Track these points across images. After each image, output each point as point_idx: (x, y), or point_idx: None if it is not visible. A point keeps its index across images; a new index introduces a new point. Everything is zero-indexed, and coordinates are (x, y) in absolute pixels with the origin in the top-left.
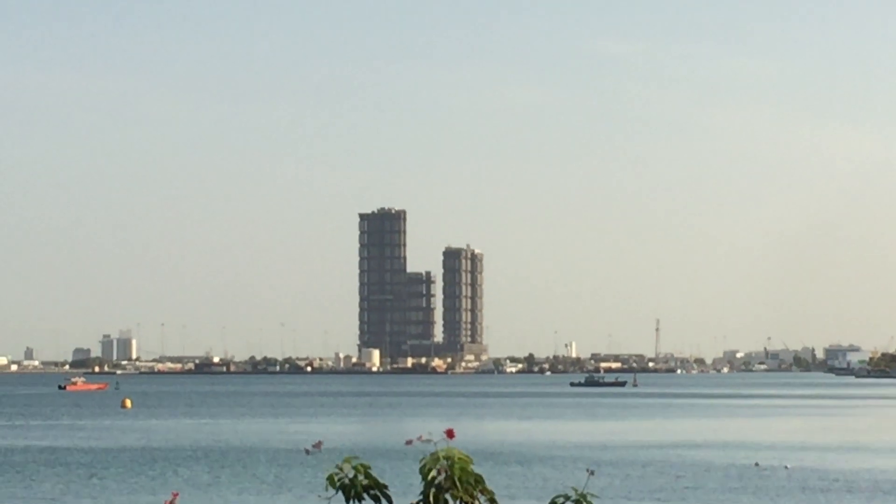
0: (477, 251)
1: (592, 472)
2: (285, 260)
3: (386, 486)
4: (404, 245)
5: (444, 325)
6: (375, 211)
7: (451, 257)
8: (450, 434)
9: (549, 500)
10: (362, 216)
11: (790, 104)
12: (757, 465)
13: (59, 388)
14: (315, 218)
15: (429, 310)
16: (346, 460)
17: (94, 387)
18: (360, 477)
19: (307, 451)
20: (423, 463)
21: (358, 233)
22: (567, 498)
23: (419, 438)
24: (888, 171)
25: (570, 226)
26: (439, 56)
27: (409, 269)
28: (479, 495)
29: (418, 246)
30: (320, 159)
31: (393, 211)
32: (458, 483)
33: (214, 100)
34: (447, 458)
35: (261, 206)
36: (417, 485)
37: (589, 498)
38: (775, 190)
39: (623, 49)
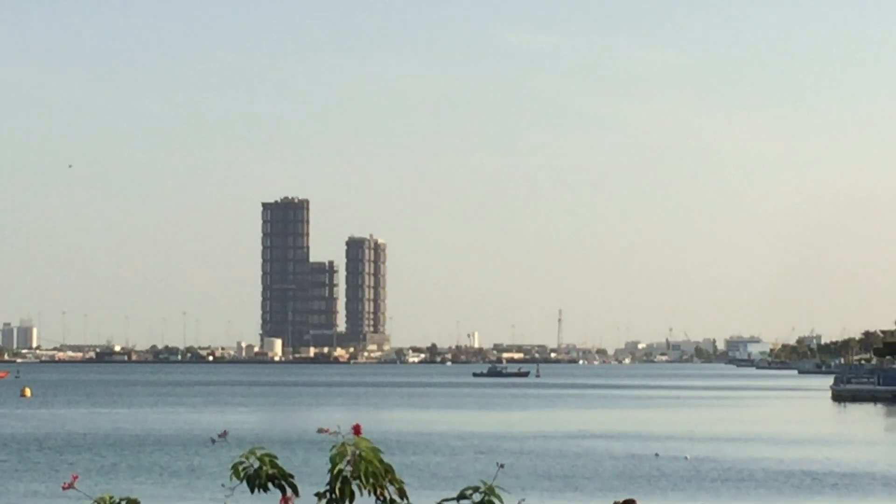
0: (380, 241)
1: (502, 466)
2: (187, 248)
3: (292, 476)
4: (307, 234)
5: (346, 315)
6: (278, 200)
7: (354, 247)
8: (356, 430)
9: (457, 492)
10: (265, 205)
11: (689, 96)
12: (657, 455)
13: None
14: (217, 206)
15: (331, 299)
16: (252, 451)
17: None
18: (266, 467)
19: (213, 441)
20: (332, 454)
21: (261, 221)
22: (476, 489)
23: (328, 431)
24: (778, 159)
25: (473, 217)
26: (344, 45)
27: (311, 259)
28: (389, 485)
29: (321, 235)
30: (223, 147)
31: (296, 200)
32: (362, 477)
33: (112, 88)
34: (354, 449)
35: (163, 194)
36: (326, 474)
37: (497, 491)
38: (674, 180)
39: (530, 41)
